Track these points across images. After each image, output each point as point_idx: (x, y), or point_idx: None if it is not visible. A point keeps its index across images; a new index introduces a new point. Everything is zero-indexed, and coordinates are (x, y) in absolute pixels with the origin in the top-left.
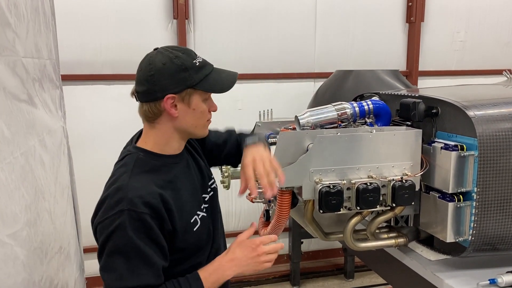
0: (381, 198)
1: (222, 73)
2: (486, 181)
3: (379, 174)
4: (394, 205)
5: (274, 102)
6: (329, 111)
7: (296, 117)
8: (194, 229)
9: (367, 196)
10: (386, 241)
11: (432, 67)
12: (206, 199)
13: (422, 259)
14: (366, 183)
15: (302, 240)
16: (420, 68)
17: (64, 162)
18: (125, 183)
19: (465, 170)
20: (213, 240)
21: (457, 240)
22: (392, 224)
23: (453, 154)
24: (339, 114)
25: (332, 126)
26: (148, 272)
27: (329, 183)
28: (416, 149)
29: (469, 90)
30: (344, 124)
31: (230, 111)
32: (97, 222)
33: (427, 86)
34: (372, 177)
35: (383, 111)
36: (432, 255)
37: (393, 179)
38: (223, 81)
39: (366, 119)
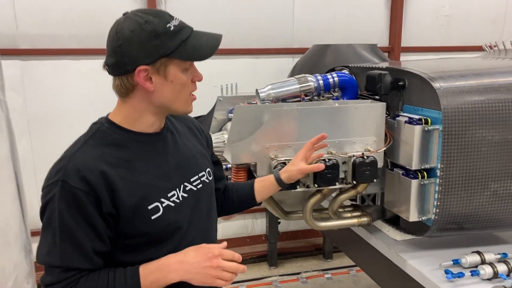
0: (342, 176)
1: (202, 36)
2: (451, 157)
3: (340, 150)
4: (355, 182)
5: (251, 79)
6: (291, 84)
7: (256, 90)
8: (152, 217)
9: (325, 173)
10: (348, 220)
11: (416, 43)
12: (186, 189)
13: (388, 239)
14: (324, 159)
15: (279, 220)
16: (403, 44)
17: (2, 137)
18: (71, 152)
19: (429, 146)
20: (184, 236)
21: (421, 219)
22: (358, 203)
23: (417, 128)
24: (302, 87)
25: (295, 100)
26: (75, 253)
27: (285, 160)
28: (380, 124)
29: (442, 62)
30: (308, 98)
31: (204, 88)
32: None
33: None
34: (331, 153)
35: (349, 84)
36: (398, 235)
37: (353, 155)
38: (202, 46)
39: (332, 92)
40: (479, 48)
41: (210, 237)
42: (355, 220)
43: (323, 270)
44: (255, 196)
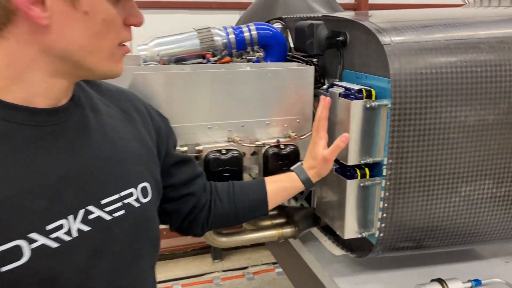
0: (248, 173)
1: None
2: (403, 147)
3: (246, 135)
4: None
5: None
6: (187, 39)
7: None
8: (3, 269)
9: (220, 170)
10: (264, 233)
11: (386, 0)
12: (89, 217)
13: (324, 254)
14: (219, 151)
15: None
16: (371, 1)
17: None
18: None
19: (374, 131)
20: None
21: (362, 235)
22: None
23: (354, 104)
24: (204, 43)
25: (197, 61)
26: None
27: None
28: (305, 98)
29: (403, 12)
30: (216, 58)
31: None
32: None
33: None
34: (233, 141)
35: (274, 41)
36: (337, 249)
37: (263, 144)
38: None
39: (252, 51)
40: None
41: None
42: (273, 232)
43: (273, 263)
44: (268, 201)
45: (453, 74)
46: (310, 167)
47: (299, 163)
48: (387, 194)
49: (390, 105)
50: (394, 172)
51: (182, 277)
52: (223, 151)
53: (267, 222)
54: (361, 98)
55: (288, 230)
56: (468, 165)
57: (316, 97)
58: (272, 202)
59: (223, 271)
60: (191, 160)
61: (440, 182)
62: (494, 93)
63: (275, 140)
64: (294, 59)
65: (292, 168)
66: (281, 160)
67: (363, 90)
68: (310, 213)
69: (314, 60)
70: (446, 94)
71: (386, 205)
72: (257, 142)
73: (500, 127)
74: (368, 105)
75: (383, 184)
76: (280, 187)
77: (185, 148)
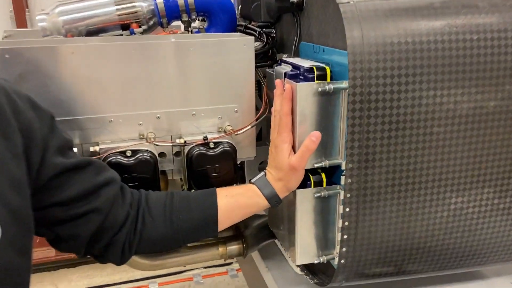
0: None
1: None
2: (368, 146)
3: (166, 130)
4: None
5: None
6: (101, 5)
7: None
8: None
9: (124, 179)
10: (199, 253)
11: None
12: None
13: (284, 269)
14: (123, 153)
15: None
16: None
17: None
18: None
19: (331, 123)
20: None
21: (320, 260)
22: None
23: (300, 88)
24: (121, 8)
25: (117, 33)
26: None
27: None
28: (244, 79)
29: None
30: (142, 28)
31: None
32: None
33: None
34: (146, 139)
35: (216, 7)
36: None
37: (185, 141)
38: None
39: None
40: None
41: None
42: (214, 251)
43: None
44: (219, 221)
45: (439, 44)
46: (275, 179)
47: (261, 174)
48: (347, 209)
49: (348, 88)
50: (356, 181)
51: (159, 275)
52: (128, 153)
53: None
54: (312, 80)
55: (233, 247)
56: (460, 169)
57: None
58: (225, 222)
59: (204, 267)
60: (90, 164)
61: (421, 192)
62: (497, 70)
63: (200, 137)
64: (247, 31)
65: (252, 180)
66: (210, 163)
67: (314, 68)
68: (263, 225)
69: (273, 32)
70: (428, 72)
71: (346, 223)
72: (177, 140)
73: (504, 117)
74: (320, 89)
75: (341, 196)
76: (237, 204)
77: (75, 150)
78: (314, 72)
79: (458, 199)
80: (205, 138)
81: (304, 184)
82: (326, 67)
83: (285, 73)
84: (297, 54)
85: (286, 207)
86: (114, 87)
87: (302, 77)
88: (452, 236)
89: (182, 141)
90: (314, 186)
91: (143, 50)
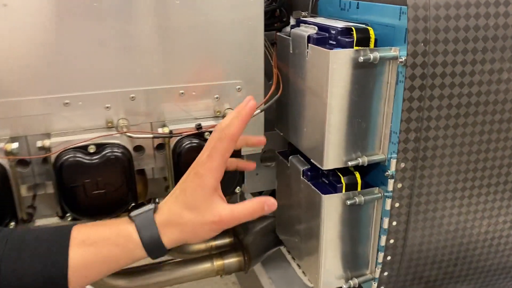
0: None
1: None
2: (429, 139)
3: (137, 114)
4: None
5: None
6: None
7: None
8: None
9: (85, 184)
10: (190, 267)
11: None
12: None
13: (293, 282)
14: (82, 149)
15: None
16: None
17: None
18: None
19: (372, 105)
20: None
21: (350, 283)
22: None
23: (335, 56)
24: None
25: None
26: None
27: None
28: (249, 45)
29: None
30: None
31: None
32: None
33: None
34: (115, 127)
35: None
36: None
37: (171, 131)
38: None
39: None
40: None
41: None
42: (207, 266)
43: None
44: (69, 280)
45: None
46: (171, 222)
47: (149, 207)
48: (393, 223)
49: (404, 59)
50: (409, 185)
51: None
52: (91, 149)
53: (201, 246)
54: (350, 45)
55: (232, 260)
56: None
57: (275, 46)
58: (79, 281)
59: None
60: None
61: (490, 198)
62: None
63: (194, 125)
64: None
65: (132, 214)
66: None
67: (353, 29)
68: (269, 229)
69: None
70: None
71: (392, 241)
72: (160, 130)
73: None
74: (362, 58)
75: (387, 206)
76: (99, 255)
77: (15, 145)
78: (353, 34)
79: None
80: (199, 127)
81: (332, 188)
82: (369, 28)
83: (309, 37)
84: (313, 13)
85: (304, 210)
86: (71, 54)
87: (335, 42)
88: None
89: (166, 130)
90: (345, 191)
91: (111, 2)
